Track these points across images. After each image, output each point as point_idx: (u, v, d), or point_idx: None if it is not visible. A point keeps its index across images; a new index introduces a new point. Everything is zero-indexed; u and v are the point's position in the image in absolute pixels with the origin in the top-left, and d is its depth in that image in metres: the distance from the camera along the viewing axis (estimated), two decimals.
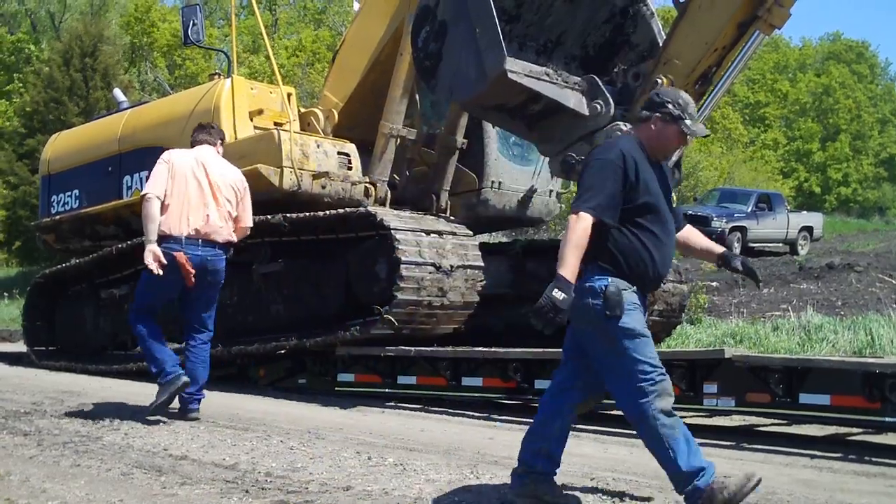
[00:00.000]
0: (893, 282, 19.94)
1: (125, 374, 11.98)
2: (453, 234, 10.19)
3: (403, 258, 9.54)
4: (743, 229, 30.87)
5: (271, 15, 47.84)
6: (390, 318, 9.68)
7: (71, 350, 13.19)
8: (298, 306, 10.74)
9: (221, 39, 44.72)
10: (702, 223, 30.05)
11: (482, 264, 10.24)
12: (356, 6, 13.71)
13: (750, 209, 31.76)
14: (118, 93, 14.83)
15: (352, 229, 10.30)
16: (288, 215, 10.47)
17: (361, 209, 10.22)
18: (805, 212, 37.64)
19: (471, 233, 10.49)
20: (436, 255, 9.79)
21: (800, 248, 32.42)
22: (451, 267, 9.85)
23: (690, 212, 31.38)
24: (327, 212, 10.41)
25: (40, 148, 34.25)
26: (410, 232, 9.77)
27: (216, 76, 12.38)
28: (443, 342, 10.44)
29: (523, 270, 12.10)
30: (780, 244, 32.70)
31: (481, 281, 10.21)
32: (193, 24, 11.55)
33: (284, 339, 10.68)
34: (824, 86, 69.71)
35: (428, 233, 9.92)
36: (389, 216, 9.90)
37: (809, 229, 33.55)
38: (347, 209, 10.41)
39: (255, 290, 11.07)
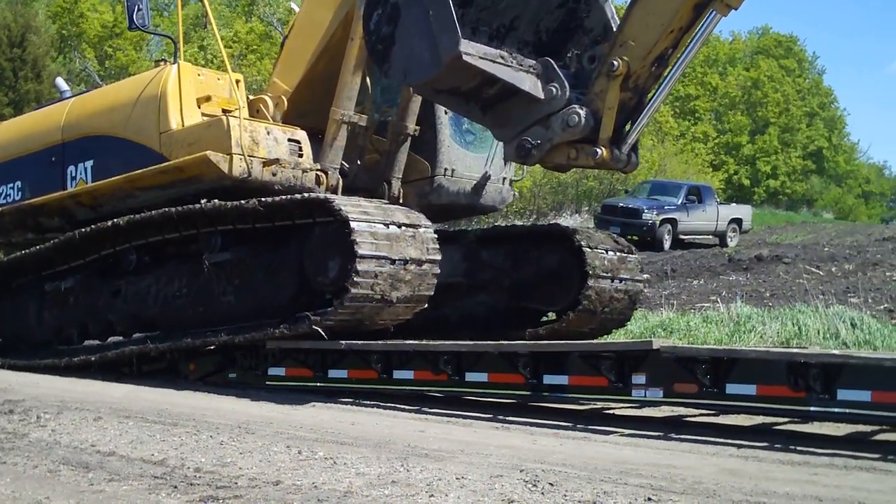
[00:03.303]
0: (820, 273, 20.26)
1: (72, 368, 11.76)
2: (418, 262, 9.88)
3: (353, 291, 9.39)
4: (673, 221, 31.18)
5: (202, 6, 47.44)
6: (318, 329, 9.67)
7: (13, 345, 12.93)
8: (250, 296, 10.57)
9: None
10: (633, 215, 30.35)
11: (431, 293, 10.13)
12: (293, 6, 13.56)
13: (680, 201, 32.08)
14: (60, 82, 14.53)
15: (308, 217, 10.06)
16: (263, 199, 10.16)
17: (333, 205, 9.68)
18: (734, 204, 38.11)
19: (437, 258, 10.10)
20: (389, 287, 9.63)
21: (729, 239, 32.85)
22: (397, 299, 9.76)
23: (622, 204, 31.67)
24: (300, 195, 10.12)
25: None
26: (375, 261, 9.46)
27: (162, 62, 12.10)
28: (406, 328, 10.48)
29: (478, 259, 12.02)
30: (710, 236, 33.11)
31: (423, 306, 10.17)
32: (139, 10, 11.31)
33: (213, 335, 10.60)
34: (753, 79, 70.49)
35: (393, 261, 9.60)
36: (361, 226, 9.47)
37: (738, 221, 33.99)
38: (305, 195, 10.14)
39: (206, 281, 10.86)
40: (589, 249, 11.00)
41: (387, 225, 9.73)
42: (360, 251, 9.37)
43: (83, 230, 11.52)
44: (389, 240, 9.67)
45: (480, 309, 12.07)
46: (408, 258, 9.75)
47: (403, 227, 9.88)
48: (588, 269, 10.88)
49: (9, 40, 34.39)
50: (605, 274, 11.06)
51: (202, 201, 10.52)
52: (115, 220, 11.20)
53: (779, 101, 69.57)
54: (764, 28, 78.34)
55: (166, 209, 10.77)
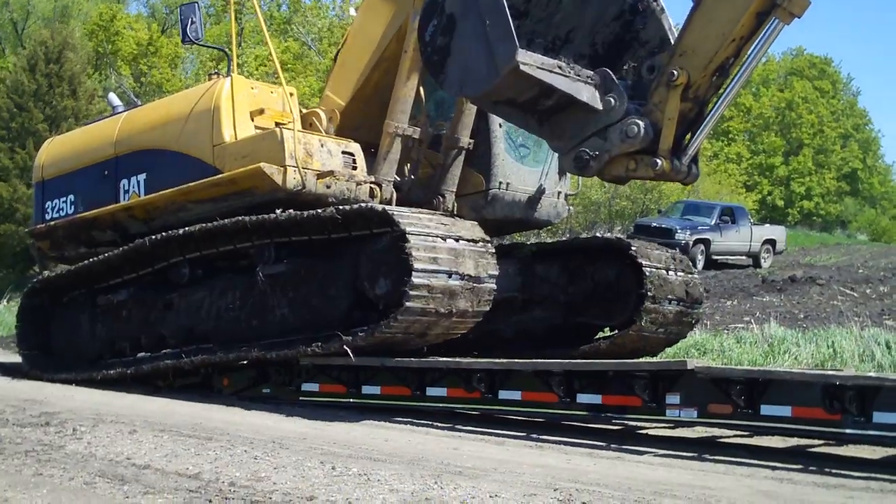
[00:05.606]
0: (855, 295, 20.11)
1: (107, 382, 11.83)
2: (462, 314, 9.82)
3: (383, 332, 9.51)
4: (706, 242, 31.00)
5: (237, 24, 47.66)
6: (347, 349, 9.67)
7: (67, 358, 12.92)
8: (305, 308, 10.51)
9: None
10: (665, 235, 30.16)
11: (465, 331, 10.13)
12: (352, 11, 13.45)
13: (713, 222, 31.91)
14: (113, 97, 14.52)
15: (365, 229, 10.01)
16: (340, 208, 10.04)
17: (397, 226, 9.60)
18: (768, 225, 37.91)
19: (484, 310, 10.04)
20: (424, 329, 9.71)
21: (763, 260, 32.65)
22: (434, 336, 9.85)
23: (654, 224, 31.53)
24: (380, 206, 10.04)
25: (1, 155, 34.21)
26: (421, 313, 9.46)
27: (215, 75, 12.13)
28: (440, 345, 10.44)
29: (533, 273, 11.87)
30: (744, 257, 32.89)
31: (471, 325, 10.13)
32: (192, 23, 11.29)
33: (247, 349, 10.60)
34: (787, 100, 70.24)
35: (439, 313, 9.57)
36: (420, 280, 9.35)
37: (772, 242, 33.77)
38: (383, 207, 10.01)
39: (259, 294, 10.82)
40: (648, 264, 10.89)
41: (450, 275, 9.61)
42: (408, 303, 9.35)
43: (154, 237, 11.42)
44: (444, 294, 9.58)
45: (535, 324, 11.93)
46: (454, 311, 9.70)
47: (466, 279, 9.76)
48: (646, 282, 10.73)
49: (46, 57, 34.70)
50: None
51: (277, 211, 10.39)
52: (188, 228, 11.13)
53: (813, 122, 69.29)
54: (798, 49, 78.07)
55: (240, 218, 10.66)
